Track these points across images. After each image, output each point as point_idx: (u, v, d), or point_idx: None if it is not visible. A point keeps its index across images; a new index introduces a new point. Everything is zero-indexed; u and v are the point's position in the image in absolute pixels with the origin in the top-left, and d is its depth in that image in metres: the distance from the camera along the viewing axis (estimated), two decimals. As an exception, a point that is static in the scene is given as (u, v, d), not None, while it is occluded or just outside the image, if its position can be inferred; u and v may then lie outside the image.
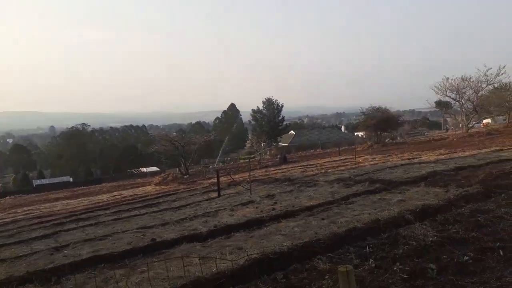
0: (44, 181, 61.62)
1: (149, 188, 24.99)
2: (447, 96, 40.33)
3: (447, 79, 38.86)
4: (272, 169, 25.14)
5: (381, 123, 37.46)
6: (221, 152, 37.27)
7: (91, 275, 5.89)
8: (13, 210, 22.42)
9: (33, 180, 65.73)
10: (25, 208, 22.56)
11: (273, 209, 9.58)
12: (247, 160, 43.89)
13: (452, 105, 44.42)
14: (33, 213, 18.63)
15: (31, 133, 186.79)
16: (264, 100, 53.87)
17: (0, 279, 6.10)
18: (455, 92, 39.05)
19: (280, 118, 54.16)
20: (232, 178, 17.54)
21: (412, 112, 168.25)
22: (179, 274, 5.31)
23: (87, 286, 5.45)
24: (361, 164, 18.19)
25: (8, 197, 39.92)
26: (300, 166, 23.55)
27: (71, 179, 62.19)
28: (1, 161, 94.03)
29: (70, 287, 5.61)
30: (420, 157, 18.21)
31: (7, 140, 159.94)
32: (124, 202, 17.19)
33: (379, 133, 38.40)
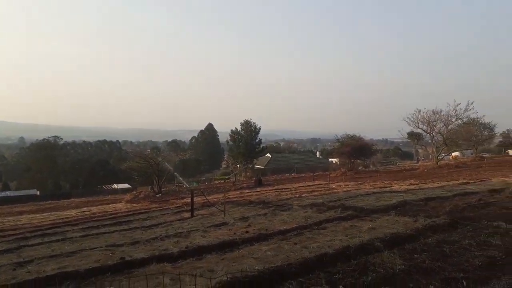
0: (8, 193, 59.12)
1: (120, 206, 24.43)
2: (418, 127, 41.74)
3: (419, 111, 40.33)
4: (247, 191, 25.12)
5: (355, 151, 38.29)
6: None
7: (55, 293, 5.70)
8: (-27, 222, 21.38)
9: (-4, 192, 62.99)
10: (-14, 221, 21.56)
11: (247, 231, 9.56)
12: (222, 181, 43.70)
13: (424, 136, 45.94)
14: (-5, 226, 17.83)
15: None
16: (242, 121, 54.22)
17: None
18: (426, 124, 40.48)
19: (257, 140, 54.47)
20: (206, 199, 17.42)
21: (385, 141, 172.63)
22: (148, 295, 5.22)
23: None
24: (335, 190, 18.46)
25: (-32, 208, 38.04)
26: (275, 189, 23.65)
27: (38, 193, 59.94)
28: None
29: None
30: (391, 186, 18.67)
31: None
32: (93, 219, 16.73)
33: (352, 160, 39.17)
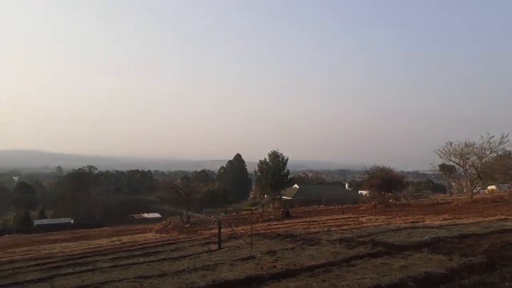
0: (44, 221, 61.14)
1: (149, 235, 24.73)
2: (451, 160, 40.53)
3: (451, 144, 39.30)
4: (274, 223, 24.91)
5: (385, 183, 37.39)
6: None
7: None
8: (11, 250, 22.17)
9: (34, 220, 65.24)
10: (23, 248, 22.32)
11: (274, 266, 9.45)
12: (250, 212, 43.51)
13: (456, 169, 44.47)
14: (31, 254, 18.44)
15: (38, 172, 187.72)
16: (270, 152, 54.42)
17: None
18: (458, 157, 39.28)
19: (285, 171, 54.33)
20: (234, 231, 17.38)
21: (416, 173, 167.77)
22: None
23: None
24: (364, 225, 18.02)
25: (7, 235, 39.56)
26: (303, 221, 23.34)
27: (71, 221, 61.65)
28: (4, 198, 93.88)
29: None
30: (423, 221, 18.05)
31: (13, 177, 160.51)
32: (123, 249, 16.99)
33: (382, 193, 38.21)
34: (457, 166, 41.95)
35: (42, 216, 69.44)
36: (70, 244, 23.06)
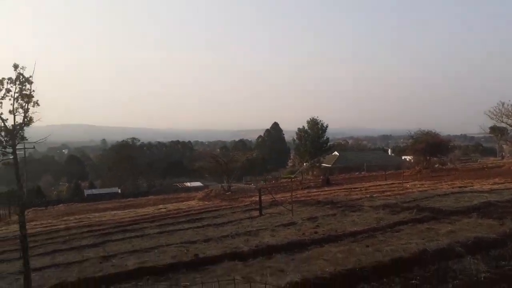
0: (94, 191, 64.57)
1: (192, 203, 25.52)
2: (502, 122, 38.20)
3: (503, 104, 36.87)
4: (314, 190, 24.88)
5: (431, 148, 36.04)
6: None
7: (137, 286, 6.11)
8: (65, 218, 23.71)
9: (84, 190, 69.09)
10: (76, 216, 23.80)
11: (315, 232, 9.46)
12: (289, 180, 43.71)
13: (509, 131, 41.98)
14: (84, 221, 19.61)
15: (85, 145, 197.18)
16: (309, 119, 53.58)
17: (54, 283, 6.48)
18: (511, 118, 36.92)
19: (324, 138, 53.55)
20: (274, 198, 17.53)
21: (463, 137, 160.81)
22: (221, 293, 5.39)
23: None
24: (409, 190, 17.58)
25: (61, 204, 42.27)
26: (344, 189, 23.13)
27: (119, 191, 64.68)
28: (57, 170, 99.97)
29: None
30: (472, 186, 17.33)
31: (63, 150, 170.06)
32: (168, 216, 17.67)
33: (428, 158, 36.95)
34: (509, 128, 39.54)
35: (91, 186, 73.39)
36: (119, 212, 24.28)
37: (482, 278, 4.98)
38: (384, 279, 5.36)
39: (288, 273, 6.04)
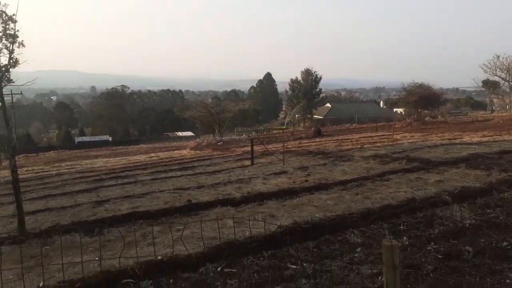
0: (85, 139, 64.32)
1: (184, 152, 25.60)
2: (496, 75, 38.21)
3: (498, 57, 36.66)
4: (305, 141, 25.05)
5: (423, 100, 36.15)
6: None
7: (130, 229, 6.22)
8: (57, 164, 23.70)
9: (74, 137, 68.76)
10: (68, 163, 23.80)
11: (306, 180, 9.62)
12: (281, 131, 43.88)
13: (501, 85, 42.07)
14: (75, 168, 19.64)
15: (74, 92, 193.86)
16: (303, 70, 52.89)
17: (48, 226, 6.57)
18: (505, 72, 36.87)
19: (317, 90, 53.24)
20: (266, 148, 17.65)
21: (455, 90, 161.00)
22: (213, 235, 5.51)
23: (127, 239, 5.75)
24: (399, 142, 17.79)
25: (52, 151, 42.15)
26: (335, 140, 23.31)
27: (110, 139, 64.48)
28: (46, 117, 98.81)
29: (111, 238, 5.96)
30: (461, 138, 17.57)
31: (52, 97, 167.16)
32: (161, 164, 17.75)
33: (419, 110, 37.15)
34: (502, 82, 39.61)
35: (81, 133, 72.98)
36: (111, 159, 24.32)
37: (467, 225, 5.13)
38: (373, 225, 5.51)
39: (279, 218, 6.19)
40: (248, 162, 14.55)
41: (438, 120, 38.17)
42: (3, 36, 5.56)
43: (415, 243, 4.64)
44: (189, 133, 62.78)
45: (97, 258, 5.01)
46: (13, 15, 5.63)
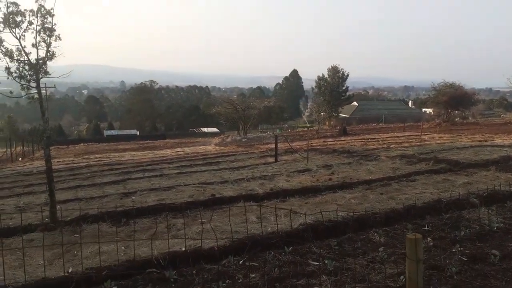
0: (113, 132, 66.01)
1: (209, 148, 25.91)
2: (533, 76, 36.60)
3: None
4: (330, 140, 24.87)
5: (453, 101, 35.11)
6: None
7: (156, 221, 6.39)
8: (86, 156, 24.48)
9: (104, 131, 70.66)
10: (96, 155, 24.53)
11: (330, 179, 9.57)
12: (305, 129, 43.69)
13: (538, 86, 40.31)
14: (104, 160, 20.22)
15: (104, 86, 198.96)
16: (330, 67, 52.23)
17: (78, 215, 6.82)
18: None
19: (344, 87, 52.48)
20: (290, 145, 17.64)
21: (488, 90, 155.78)
22: (236, 229, 5.59)
23: (152, 230, 5.92)
24: (427, 142, 17.40)
25: (82, 143, 43.53)
26: (361, 139, 23.04)
27: (137, 133, 65.94)
28: (77, 110, 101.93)
29: (137, 229, 6.14)
30: (493, 140, 17.01)
31: (83, 91, 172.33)
32: (186, 158, 18.04)
33: (449, 111, 36.13)
34: (538, 83, 37.98)
35: (110, 127, 74.93)
36: (138, 153, 24.89)
37: (495, 228, 5.00)
38: (396, 225, 5.45)
39: (302, 215, 6.20)
40: (271, 159, 14.60)
41: (468, 121, 37.02)
42: (41, 30, 5.79)
43: (439, 245, 4.56)
44: (214, 129, 63.40)
45: (123, 247, 5.19)
46: (51, 9, 5.86)
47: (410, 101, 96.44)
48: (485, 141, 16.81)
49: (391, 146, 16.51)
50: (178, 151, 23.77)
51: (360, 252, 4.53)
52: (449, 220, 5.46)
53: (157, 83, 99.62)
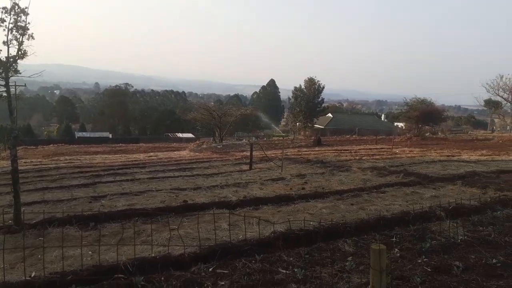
0: (85, 134, 64.42)
1: (183, 153, 25.66)
2: (498, 95, 38.32)
3: (501, 77, 36.81)
4: (305, 149, 25.12)
5: (424, 116, 36.27)
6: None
7: (125, 226, 6.26)
8: (55, 158, 23.75)
9: (75, 132, 68.84)
10: (66, 157, 23.84)
11: (303, 188, 9.67)
12: (281, 138, 43.93)
13: (503, 105, 42.22)
14: (74, 162, 19.67)
15: (77, 87, 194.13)
16: (306, 79, 52.95)
17: (43, 218, 6.60)
18: (508, 92, 37.00)
19: (319, 99, 53.27)
20: (265, 153, 17.70)
21: (457, 108, 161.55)
22: (207, 236, 5.56)
23: (121, 235, 5.79)
24: (398, 156, 17.85)
25: (51, 144, 42.19)
26: (334, 150, 23.39)
27: (110, 135, 64.60)
28: (48, 110, 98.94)
29: (105, 233, 6.00)
30: (460, 155, 17.63)
31: (55, 91, 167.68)
32: (159, 163, 17.79)
33: (420, 126, 37.26)
34: (504, 102, 39.75)
35: (82, 129, 73.04)
36: (110, 156, 24.37)
37: (459, 241, 5.17)
38: (366, 236, 5.55)
39: (274, 223, 6.22)
40: (246, 167, 14.61)
41: (438, 136, 38.26)
42: (14, 28, 5.64)
43: (406, 255, 4.68)
44: (190, 135, 62.92)
45: (90, 252, 5.05)
46: (26, 7, 5.73)
47: (383, 115, 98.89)
48: (453, 156, 17.41)
49: (363, 158, 16.85)
50: (151, 156, 23.43)
51: (329, 261, 4.58)
52: (416, 232, 5.61)
53: (133, 86, 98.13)
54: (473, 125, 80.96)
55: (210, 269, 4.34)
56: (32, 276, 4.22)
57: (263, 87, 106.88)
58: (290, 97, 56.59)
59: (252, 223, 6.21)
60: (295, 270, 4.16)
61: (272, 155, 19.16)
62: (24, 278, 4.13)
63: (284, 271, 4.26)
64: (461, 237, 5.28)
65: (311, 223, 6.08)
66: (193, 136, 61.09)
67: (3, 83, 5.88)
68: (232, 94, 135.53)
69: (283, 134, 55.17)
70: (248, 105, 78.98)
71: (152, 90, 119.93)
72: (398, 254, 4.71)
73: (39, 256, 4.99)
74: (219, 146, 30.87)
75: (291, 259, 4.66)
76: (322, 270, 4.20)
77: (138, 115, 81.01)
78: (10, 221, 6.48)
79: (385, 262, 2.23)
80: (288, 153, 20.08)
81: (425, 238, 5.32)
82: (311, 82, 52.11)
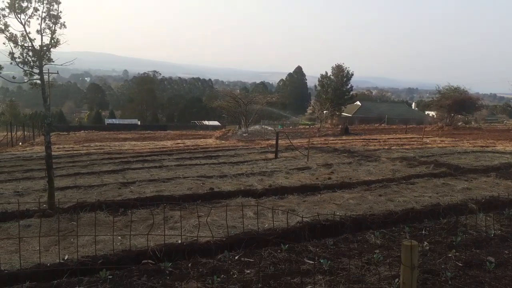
0: (114, 121, 66.01)
1: (210, 141, 25.88)
2: (537, 83, 36.47)
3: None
4: (332, 138, 24.83)
5: (457, 105, 34.97)
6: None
7: (153, 212, 6.39)
8: (86, 144, 24.46)
9: (105, 119, 70.68)
10: (97, 143, 24.51)
11: (329, 178, 9.56)
12: (307, 126, 43.62)
13: (542, 94, 40.19)
14: (104, 149, 20.20)
15: (106, 74, 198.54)
16: (334, 66, 51.95)
17: (75, 203, 6.82)
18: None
19: (348, 87, 52.22)
20: (291, 142, 17.60)
21: (493, 96, 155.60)
22: (233, 224, 5.60)
23: (149, 221, 5.92)
24: (428, 145, 17.37)
25: (82, 131, 43.51)
26: (362, 139, 23.01)
27: (138, 122, 65.92)
28: (79, 97, 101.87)
29: (134, 219, 6.14)
30: (494, 146, 16.96)
31: (85, 78, 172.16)
32: (186, 151, 18.02)
33: (452, 115, 36.02)
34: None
35: (112, 116, 74.90)
36: (138, 143, 24.88)
37: (492, 235, 5.00)
38: (394, 228, 5.44)
39: (299, 213, 6.20)
40: (272, 155, 14.58)
41: (471, 126, 36.96)
42: (47, 17, 5.77)
43: (436, 249, 4.56)
44: (216, 123, 63.39)
45: (120, 237, 5.19)
46: (58, -4, 5.84)
47: (413, 103, 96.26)
48: (487, 146, 16.78)
49: (393, 147, 16.48)
50: (179, 143, 23.76)
51: (356, 253, 4.53)
52: (447, 225, 5.46)
53: (160, 74, 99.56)
54: (509, 114, 77.65)
55: (236, 257, 4.38)
56: (65, 258, 4.38)
57: (289, 74, 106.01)
58: (317, 85, 55.78)
59: (278, 212, 6.20)
60: (321, 261, 4.14)
61: (298, 143, 19.05)
62: (58, 260, 4.29)
63: (310, 262, 4.25)
64: (495, 232, 5.10)
65: (338, 213, 6.01)
66: (219, 124, 61.52)
67: (37, 71, 6.04)
68: (258, 81, 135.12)
69: (309, 123, 54.72)
70: (274, 93, 78.64)
71: (179, 77, 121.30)
72: (428, 248, 4.60)
73: (72, 239, 5.17)
74: (244, 134, 30.94)
75: (317, 249, 4.64)
76: (349, 262, 4.16)
77: (166, 102, 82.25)
78: (44, 205, 6.73)
79: (417, 259, 2.17)
80: (314, 142, 19.90)
81: (456, 231, 5.17)
82: (339, 69, 51.08)
